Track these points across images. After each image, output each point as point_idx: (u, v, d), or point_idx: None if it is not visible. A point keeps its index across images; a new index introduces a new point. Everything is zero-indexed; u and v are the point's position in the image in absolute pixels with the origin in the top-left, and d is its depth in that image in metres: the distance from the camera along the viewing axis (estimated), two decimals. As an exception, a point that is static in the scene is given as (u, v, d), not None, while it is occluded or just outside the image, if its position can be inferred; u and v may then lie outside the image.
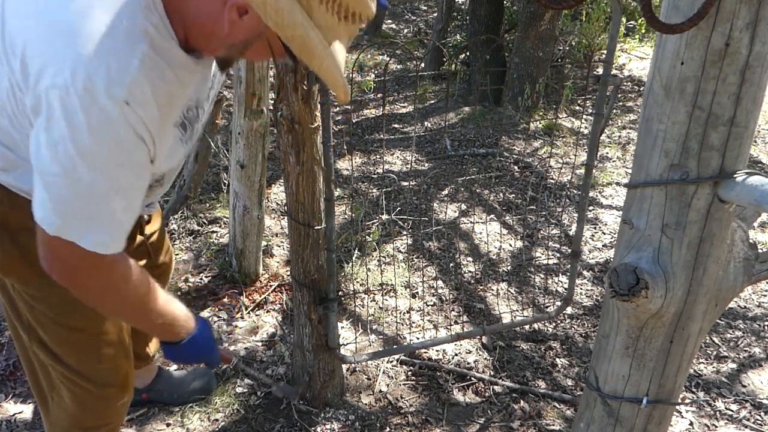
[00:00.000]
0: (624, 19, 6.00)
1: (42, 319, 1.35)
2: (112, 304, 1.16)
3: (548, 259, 3.08)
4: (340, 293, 2.71)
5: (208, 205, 3.26)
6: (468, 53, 5.77)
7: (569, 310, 2.70)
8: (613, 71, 6.05)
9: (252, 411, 2.07)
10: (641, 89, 5.58)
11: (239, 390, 2.15)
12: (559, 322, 2.64)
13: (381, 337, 2.48)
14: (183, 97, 1.11)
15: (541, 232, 3.35)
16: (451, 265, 2.98)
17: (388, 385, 2.22)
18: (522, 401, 2.19)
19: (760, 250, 0.91)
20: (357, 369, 2.29)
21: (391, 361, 2.33)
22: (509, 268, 3.00)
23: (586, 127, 4.83)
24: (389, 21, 8.17)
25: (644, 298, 0.80)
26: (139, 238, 1.62)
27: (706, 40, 0.69)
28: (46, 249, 1.02)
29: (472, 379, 2.27)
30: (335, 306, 1.91)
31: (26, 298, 1.32)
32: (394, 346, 2.33)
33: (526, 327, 2.56)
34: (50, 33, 0.93)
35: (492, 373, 2.32)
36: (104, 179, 0.97)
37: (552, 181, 3.95)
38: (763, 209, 0.71)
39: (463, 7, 6.90)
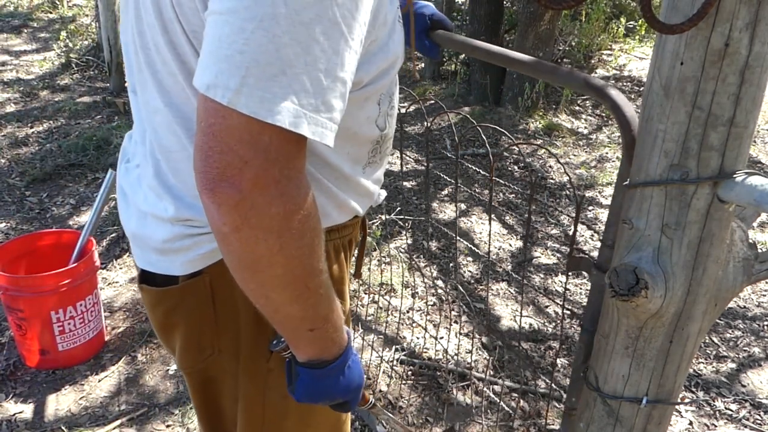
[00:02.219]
0: (624, 19, 6.01)
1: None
2: (280, 259, 0.73)
3: (548, 258, 3.08)
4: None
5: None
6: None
7: (569, 309, 2.70)
8: (613, 71, 6.06)
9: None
10: (641, 89, 5.58)
11: (239, 390, 2.15)
12: (560, 321, 2.64)
13: (381, 336, 2.48)
14: None
15: (541, 231, 3.35)
16: (451, 265, 2.98)
17: (388, 385, 2.22)
18: (522, 401, 2.19)
19: (759, 250, 0.91)
20: (357, 369, 2.29)
21: (391, 361, 2.33)
22: (509, 267, 3.00)
23: (585, 128, 4.83)
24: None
25: (644, 298, 0.80)
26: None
27: (706, 40, 0.69)
28: (208, 137, 0.67)
29: (472, 379, 2.27)
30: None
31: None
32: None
33: (526, 327, 2.57)
34: None
35: (492, 373, 2.32)
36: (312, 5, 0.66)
37: (552, 181, 3.95)
38: (762, 209, 0.71)
39: (463, 7, 6.90)
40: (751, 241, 0.90)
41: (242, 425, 1.05)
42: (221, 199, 0.68)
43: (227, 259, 0.75)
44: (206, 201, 0.70)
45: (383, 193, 1.15)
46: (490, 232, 1.27)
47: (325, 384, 0.89)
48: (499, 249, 3.16)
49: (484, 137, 1.67)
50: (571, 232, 3.23)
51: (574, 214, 3.43)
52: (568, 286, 2.90)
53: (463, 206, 3.55)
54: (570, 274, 2.91)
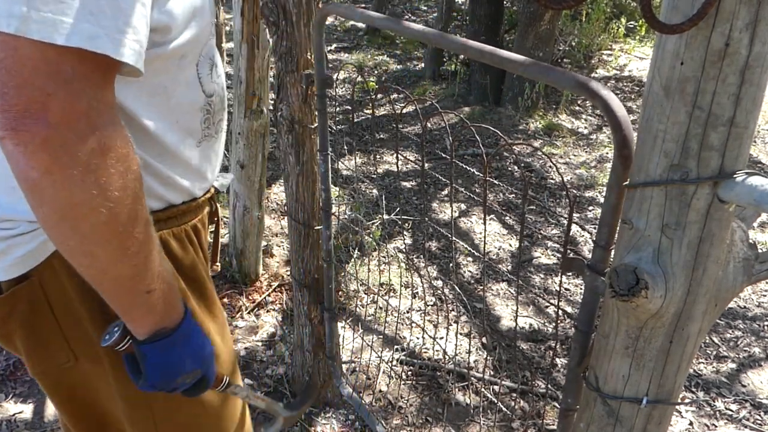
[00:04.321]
0: (624, 19, 6.01)
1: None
2: (102, 201, 0.66)
3: (548, 258, 3.08)
4: (340, 293, 2.72)
5: (208, 205, 3.26)
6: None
7: (569, 309, 2.70)
8: (613, 71, 6.06)
9: (252, 411, 2.07)
10: (641, 89, 5.58)
11: (239, 390, 2.15)
12: (559, 322, 2.64)
13: (381, 337, 2.48)
14: None
15: (541, 232, 3.35)
16: (451, 265, 2.98)
17: (388, 385, 2.22)
18: (522, 401, 2.19)
19: (759, 250, 0.91)
20: (357, 369, 2.29)
21: (391, 361, 2.33)
22: (509, 268, 3.00)
23: (585, 128, 4.83)
24: (389, 21, 8.17)
25: (644, 298, 0.80)
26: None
27: (706, 40, 0.69)
28: (1, 74, 0.60)
29: (472, 379, 2.27)
30: (334, 316, 1.91)
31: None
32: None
33: (526, 327, 2.56)
34: None
35: (492, 373, 2.32)
36: None
37: (552, 181, 3.95)
38: (762, 209, 0.71)
39: (463, 7, 6.90)
40: (751, 241, 0.90)
41: (129, 420, 0.98)
42: (26, 138, 0.60)
43: (40, 214, 0.66)
44: (9, 145, 0.61)
45: (228, 176, 1.09)
46: (485, 232, 1.27)
47: (175, 355, 0.80)
48: (499, 249, 3.16)
49: (478, 137, 1.67)
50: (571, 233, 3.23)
51: (573, 214, 3.43)
52: (569, 287, 2.90)
53: (462, 206, 3.55)
54: (569, 274, 2.91)
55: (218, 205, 1.10)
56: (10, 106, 0.60)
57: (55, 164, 0.62)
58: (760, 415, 2.20)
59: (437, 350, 2.40)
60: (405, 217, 3.33)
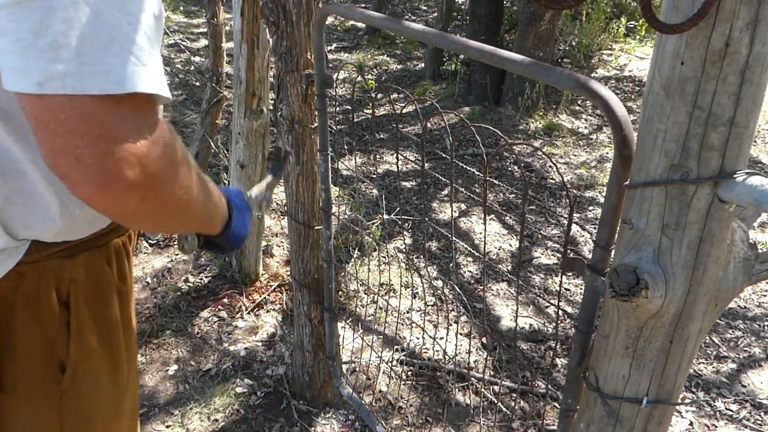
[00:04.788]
0: (624, 19, 6.01)
1: None
2: (181, 189, 0.74)
3: (548, 258, 3.08)
4: (339, 293, 2.72)
5: (208, 205, 3.26)
6: (468, 53, 5.76)
7: (569, 309, 2.70)
8: (614, 71, 6.06)
9: (252, 411, 2.07)
10: (641, 89, 5.58)
11: (239, 390, 2.15)
12: (559, 322, 2.64)
13: (381, 337, 2.48)
14: None
15: (541, 232, 3.35)
16: (451, 265, 2.98)
17: (388, 385, 2.22)
18: (522, 401, 2.19)
19: (760, 250, 0.91)
20: (357, 369, 2.29)
21: (391, 361, 2.33)
22: (509, 268, 3.00)
23: (586, 128, 4.83)
24: (389, 21, 8.17)
25: (644, 298, 0.79)
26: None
27: (706, 40, 0.68)
28: (66, 137, 0.60)
29: (472, 379, 2.27)
30: (334, 316, 1.91)
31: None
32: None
33: (526, 327, 2.56)
34: None
35: (492, 373, 2.32)
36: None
37: (552, 181, 3.95)
38: (763, 209, 0.71)
39: (463, 7, 6.90)
40: (751, 241, 0.90)
41: None
42: (119, 188, 0.64)
43: (142, 227, 0.81)
44: (103, 201, 0.65)
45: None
46: (485, 232, 1.27)
47: (240, 224, 1.04)
48: (499, 249, 3.16)
49: (478, 137, 1.67)
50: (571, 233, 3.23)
51: (571, 214, 3.43)
52: (569, 287, 2.90)
53: (462, 206, 3.55)
54: (569, 274, 2.90)
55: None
56: (89, 167, 0.62)
57: (144, 201, 0.67)
58: (760, 416, 2.19)
59: (437, 350, 2.40)
60: (405, 217, 3.33)
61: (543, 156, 4.27)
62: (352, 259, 2.94)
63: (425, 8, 9.02)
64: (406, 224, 3.29)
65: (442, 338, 2.39)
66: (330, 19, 7.31)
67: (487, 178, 1.17)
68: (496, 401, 2.18)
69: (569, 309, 2.70)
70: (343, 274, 2.84)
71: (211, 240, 1.03)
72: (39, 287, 0.85)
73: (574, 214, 3.45)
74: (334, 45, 6.82)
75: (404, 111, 5.10)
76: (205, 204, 0.85)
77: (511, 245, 3.20)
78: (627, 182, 0.82)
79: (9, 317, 0.85)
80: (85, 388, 0.94)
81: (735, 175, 0.73)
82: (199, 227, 0.94)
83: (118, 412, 1.03)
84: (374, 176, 3.89)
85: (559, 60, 5.80)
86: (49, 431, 0.94)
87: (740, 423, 2.16)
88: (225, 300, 2.61)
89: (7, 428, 0.94)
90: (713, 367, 2.42)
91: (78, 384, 0.92)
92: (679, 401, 0.93)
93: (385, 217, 3.25)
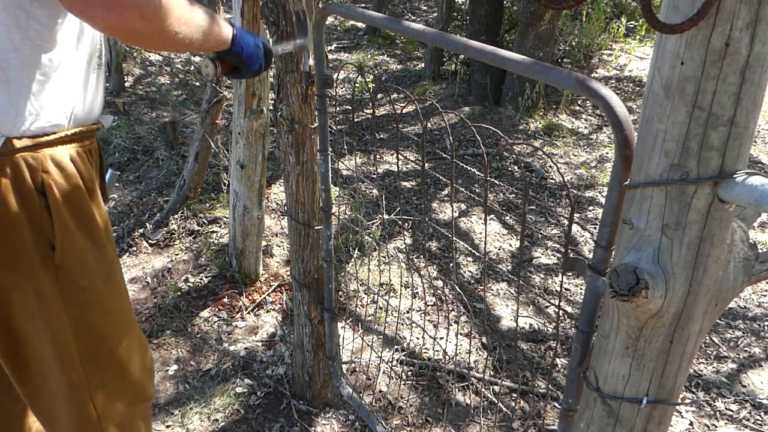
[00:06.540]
0: (624, 19, 6.01)
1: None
2: (177, 6, 1.00)
3: (548, 258, 3.08)
4: (340, 293, 2.72)
5: (208, 205, 3.26)
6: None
7: (569, 309, 2.70)
8: (614, 71, 6.05)
9: (252, 411, 2.07)
10: (641, 89, 5.58)
11: (239, 390, 2.15)
12: (559, 322, 2.64)
13: (381, 337, 2.48)
14: None
15: (541, 232, 3.35)
16: (451, 265, 2.98)
17: (387, 385, 2.22)
18: (522, 401, 2.19)
19: (760, 250, 0.91)
20: (357, 369, 2.29)
21: (391, 362, 2.33)
22: (509, 268, 3.00)
23: (586, 128, 4.83)
24: (389, 21, 8.17)
25: (644, 298, 0.79)
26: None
27: (706, 40, 0.68)
28: None
29: (472, 379, 2.27)
30: (334, 316, 1.91)
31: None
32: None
33: (526, 327, 2.56)
34: None
35: (492, 373, 2.32)
36: None
37: (552, 181, 3.95)
38: (763, 209, 0.71)
39: (463, 7, 6.90)
40: (751, 241, 0.90)
41: (49, 332, 1.12)
42: (119, 7, 0.88)
43: (152, 45, 1.01)
44: (113, 23, 0.90)
45: (108, 118, 1.27)
46: (485, 232, 1.27)
47: (248, 40, 1.24)
48: (499, 249, 3.16)
49: (478, 137, 1.67)
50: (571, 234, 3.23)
51: (571, 213, 3.43)
52: (569, 287, 2.90)
53: (463, 206, 3.55)
54: (570, 274, 2.91)
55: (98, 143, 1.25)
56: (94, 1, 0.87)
57: (145, 20, 0.92)
58: (760, 416, 2.19)
59: (437, 350, 2.40)
60: (405, 217, 3.33)
61: (543, 156, 4.27)
62: (352, 259, 2.94)
63: (425, 8, 9.02)
64: (406, 224, 3.29)
65: (442, 338, 2.39)
66: (330, 19, 7.30)
67: (488, 178, 1.17)
68: (496, 401, 2.18)
69: (569, 309, 2.70)
70: (343, 274, 2.84)
71: (226, 61, 1.23)
72: (16, 175, 1.01)
73: (574, 214, 3.45)
74: (334, 45, 6.83)
75: (404, 111, 5.10)
76: (205, 19, 1.07)
77: (511, 245, 3.20)
78: (627, 182, 0.82)
79: None
80: (74, 263, 1.10)
81: (735, 175, 0.73)
82: (206, 43, 1.11)
83: (109, 287, 1.19)
84: (374, 176, 3.89)
85: (559, 60, 5.80)
86: (52, 301, 1.11)
87: (740, 423, 2.16)
88: (225, 300, 2.61)
89: (17, 306, 1.09)
90: (713, 367, 2.42)
91: (68, 259, 1.09)
92: (679, 401, 0.93)
93: (385, 217, 3.25)
